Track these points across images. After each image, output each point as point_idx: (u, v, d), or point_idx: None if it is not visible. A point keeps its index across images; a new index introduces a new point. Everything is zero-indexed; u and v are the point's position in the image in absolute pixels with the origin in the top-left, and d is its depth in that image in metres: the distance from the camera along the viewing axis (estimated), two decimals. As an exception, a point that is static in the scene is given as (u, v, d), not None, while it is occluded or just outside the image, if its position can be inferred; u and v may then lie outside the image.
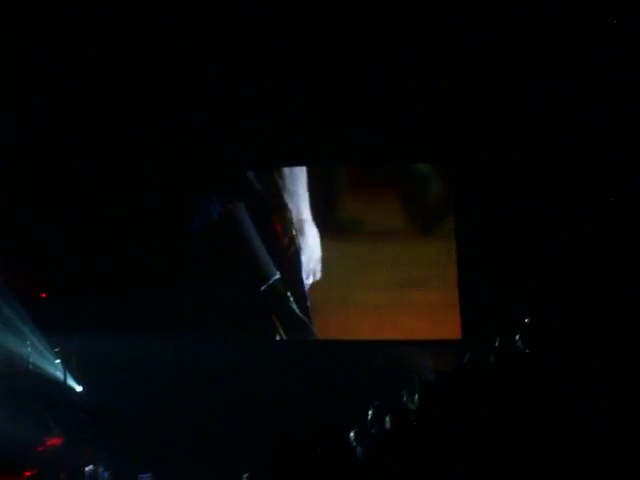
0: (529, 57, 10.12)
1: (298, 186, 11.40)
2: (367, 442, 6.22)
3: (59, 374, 11.40)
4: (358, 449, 5.99)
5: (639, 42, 9.61)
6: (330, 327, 11.33)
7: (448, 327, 10.87)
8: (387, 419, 6.45)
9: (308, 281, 11.36)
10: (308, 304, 11.34)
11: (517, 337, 6.85)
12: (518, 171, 10.40)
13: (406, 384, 7.45)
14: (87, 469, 10.21)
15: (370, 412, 6.76)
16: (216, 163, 11.61)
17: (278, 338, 11.51)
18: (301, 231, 11.37)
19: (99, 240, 11.51)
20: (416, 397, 6.74)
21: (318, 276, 11.31)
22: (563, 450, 4.98)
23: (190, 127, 11.36)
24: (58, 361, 11.41)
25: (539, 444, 5.18)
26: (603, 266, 9.77)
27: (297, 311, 11.38)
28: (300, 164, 11.48)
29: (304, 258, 11.34)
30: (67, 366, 11.40)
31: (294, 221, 11.37)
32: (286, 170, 11.54)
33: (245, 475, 6.08)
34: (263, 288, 11.43)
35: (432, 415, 5.97)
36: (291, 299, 11.39)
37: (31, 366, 11.26)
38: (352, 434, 6.28)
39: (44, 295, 11.66)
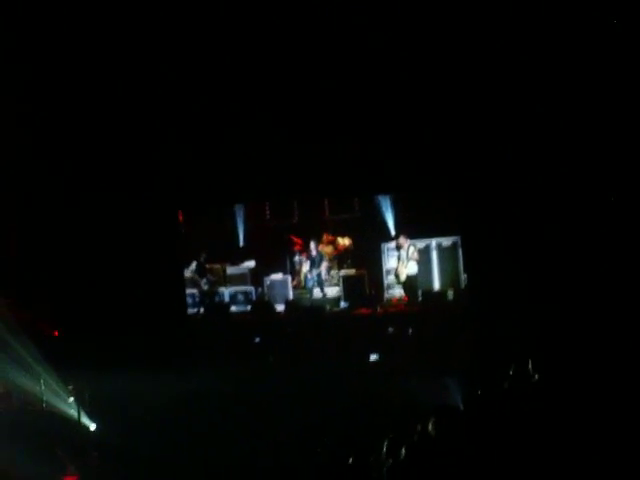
0: (529, 71, 10.19)
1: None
2: (383, 473, 6.22)
3: (73, 412, 11.38)
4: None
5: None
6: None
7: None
8: (402, 450, 6.46)
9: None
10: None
11: (530, 365, 6.87)
12: (526, 189, 10.43)
13: (420, 413, 7.45)
14: (101, 506, 10.20)
15: (385, 444, 6.74)
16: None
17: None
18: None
19: (112, 279, 11.54)
20: (430, 427, 6.74)
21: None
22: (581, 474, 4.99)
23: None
24: (72, 399, 11.40)
25: (555, 471, 5.18)
26: (617, 285, 9.79)
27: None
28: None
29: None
30: (80, 404, 11.39)
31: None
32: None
33: None
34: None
35: (448, 444, 5.98)
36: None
37: (45, 404, 11.26)
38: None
39: (57, 333, 11.68)
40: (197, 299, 14.05)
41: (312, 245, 14.19)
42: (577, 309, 9.98)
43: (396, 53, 10.64)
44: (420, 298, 13.63)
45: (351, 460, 6.40)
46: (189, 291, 13.68)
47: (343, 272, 14.38)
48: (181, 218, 11.94)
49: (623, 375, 6.08)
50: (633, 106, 9.85)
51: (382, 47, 10.62)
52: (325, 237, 14.23)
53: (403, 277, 13.71)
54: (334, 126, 10.97)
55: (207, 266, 14.17)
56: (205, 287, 14.12)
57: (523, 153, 10.49)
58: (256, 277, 14.32)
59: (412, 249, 13.37)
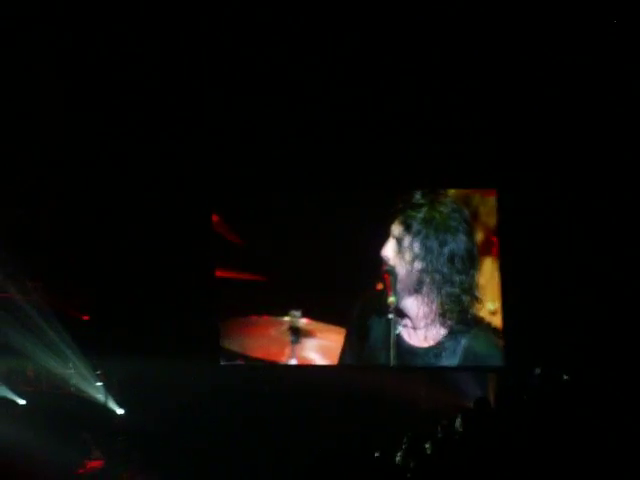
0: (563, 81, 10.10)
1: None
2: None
3: (100, 397, 11.44)
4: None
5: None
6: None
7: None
8: (427, 446, 6.41)
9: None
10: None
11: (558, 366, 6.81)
12: (565, 196, 10.29)
13: (446, 412, 7.41)
14: (127, 492, 10.25)
15: (405, 441, 6.66)
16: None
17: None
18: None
19: (143, 264, 11.56)
20: (457, 424, 6.69)
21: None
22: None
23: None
24: (100, 384, 11.45)
25: (581, 473, 5.12)
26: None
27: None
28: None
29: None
30: (108, 389, 11.45)
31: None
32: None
33: None
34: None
35: (475, 442, 5.92)
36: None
37: (73, 388, 11.32)
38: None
39: (87, 318, 11.73)
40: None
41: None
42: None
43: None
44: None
45: (377, 454, 6.38)
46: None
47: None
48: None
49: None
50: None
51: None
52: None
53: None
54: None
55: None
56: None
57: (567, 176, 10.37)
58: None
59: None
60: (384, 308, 10.48)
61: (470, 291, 10.42)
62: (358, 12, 10.44)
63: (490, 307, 10.49)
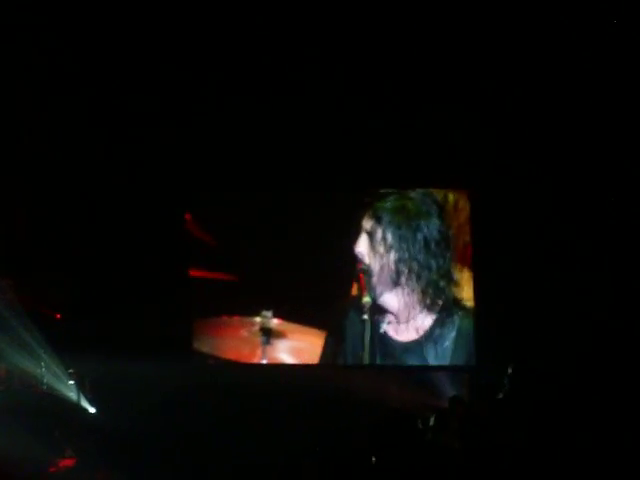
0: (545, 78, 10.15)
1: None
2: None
3: (73, 395, 11.38)
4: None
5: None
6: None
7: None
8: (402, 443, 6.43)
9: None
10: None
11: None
12: (538, 196, 10.37)
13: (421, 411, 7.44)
14: (99, 491, 10.20)
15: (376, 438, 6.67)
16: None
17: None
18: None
19: (115, 262, 11.54)
20: (431, 422, 6.74)
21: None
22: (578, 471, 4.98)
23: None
24: (72, 382, 11.39)
25: (553, 468, 5.17)
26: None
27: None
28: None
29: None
30: (81, 388, 11.39)
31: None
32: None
33: None
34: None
35: (448, 440, 5.96)
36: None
37: (45, 387, 11.25)
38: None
39: (59, 316, 11.68)
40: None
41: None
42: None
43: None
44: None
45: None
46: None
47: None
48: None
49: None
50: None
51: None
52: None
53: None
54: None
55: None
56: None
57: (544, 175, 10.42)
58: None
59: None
60: (360, 309, 10.47)
61: (448, 274, 10.40)
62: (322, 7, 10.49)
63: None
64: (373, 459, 5.50)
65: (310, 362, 11.03)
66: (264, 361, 11.01)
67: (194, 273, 11.41)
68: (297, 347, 10.98)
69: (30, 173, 11.57)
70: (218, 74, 11.15)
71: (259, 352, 11.04)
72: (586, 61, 9.98)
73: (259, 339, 11.00)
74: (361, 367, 10.65)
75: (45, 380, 11.25)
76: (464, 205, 10.68)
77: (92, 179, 11.57)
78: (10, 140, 11.35)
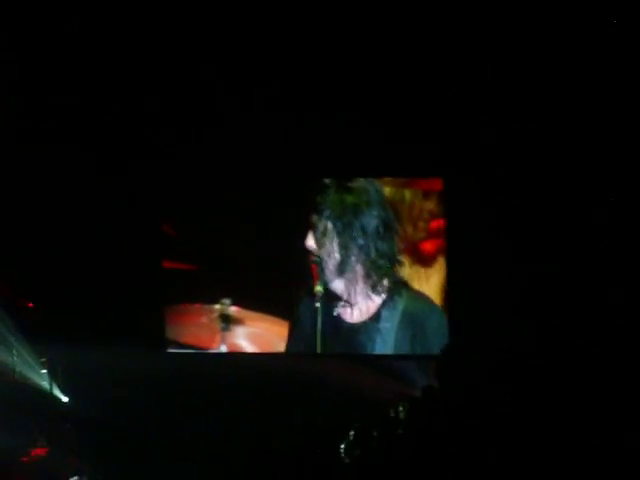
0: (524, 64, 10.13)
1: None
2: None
3: (45, 384, 11.35)
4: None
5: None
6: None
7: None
8: (374, 435, 6.46)
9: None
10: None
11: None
12: (514, 187, 10.37)
13: (394, 400, 7.46)
14: (71, 480, 10.18)
15: (352, 433, 6.70)
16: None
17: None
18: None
19: (88, 249, 11.50)
20: (401, 412, 6.76)
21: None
22: (556, 458, 5.02)
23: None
24: (44, 371, 11.36)
25: (529, 460, 5.20)
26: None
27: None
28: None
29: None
30: (53, 376, 11.36)
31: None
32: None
33: None
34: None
35: (422, 430, 5.99)
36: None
37: (17, 376, 11.21)
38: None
39: (31, 305, 11.62)
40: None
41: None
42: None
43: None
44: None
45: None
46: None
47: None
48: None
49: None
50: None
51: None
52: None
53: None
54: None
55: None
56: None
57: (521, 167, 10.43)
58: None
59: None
60: (313, 298, 10.99)
61: (392, 256, 10.82)
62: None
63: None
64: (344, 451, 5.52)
65: (266, 347, 11.37)
66: (223, 347, 11.35)
67: (165, 264, 11.66)
68: (254, 333, 11.30)
69: (3, 166, 11.48)
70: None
71: (218, 338, 11.39)
72: (573, 48, 9.95)
73: (218, 326, 11.36)
74: (314, 355, 11.07)
75: (17, 369, 11.21)
76: (413, 198, 10.91)
77: (64, 171, 11.49)
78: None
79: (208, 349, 11.40)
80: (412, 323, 10.84)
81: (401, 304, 10.84)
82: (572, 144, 10.13)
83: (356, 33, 10.48)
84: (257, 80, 10.89)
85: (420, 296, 10.84)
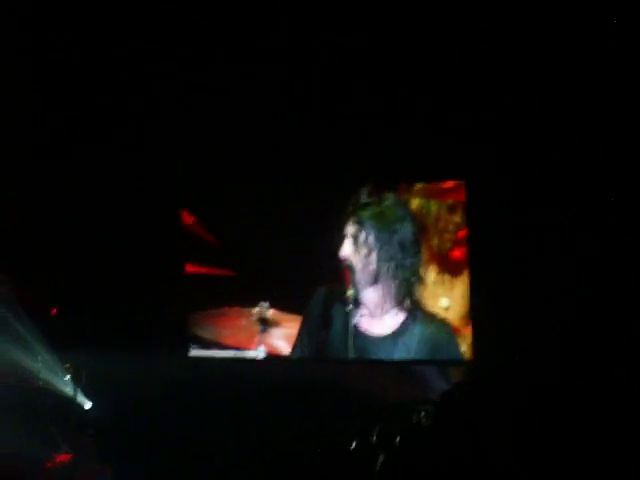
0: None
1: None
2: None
3: (69, 390, 11.41)
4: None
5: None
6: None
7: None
8: (397, 440, 6.43)
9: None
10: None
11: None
12: (537, 194, 10.30)
13: (416, 405, 7.43)
14: (95, 486, 10.23)
15: (375, 435, 6.69)
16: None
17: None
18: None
19: (111, 257, 11.53)
20: (422, 416, 6.74)
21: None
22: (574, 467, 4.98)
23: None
24: (68, 377, 11.41)
25: (549, 465, 5.17)
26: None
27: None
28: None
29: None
30: (77, 383, 11.41)
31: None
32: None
33: None
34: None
35: (445, 435, 5.96)
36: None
37: (41, 382, 11.27)
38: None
39: (55, 311, 11.69)
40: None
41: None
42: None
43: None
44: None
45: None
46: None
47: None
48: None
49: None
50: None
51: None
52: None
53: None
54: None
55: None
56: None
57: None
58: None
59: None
60: (344, 300, 11.23)
61: (417, 272, 11.05)
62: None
63: (444, 304, 10.90)
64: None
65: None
66: (261, 347, 11.64)
67: (193, 269, 11.83)
68: (291, 334, 11.59)
69: (24, 168, 11.54)
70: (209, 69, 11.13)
71: (256, 339, 11.68)
72: (585, 51, 9.89)
73: (257, 328, 11.68)
74: (346, 361, 11.24)
75: (41, 375, 11.28)
76: (436, 210, 11.07)
77: (87, 174, 11.55)
78: (2, 135, 11.32)
79: (247, 350, 11.66)
80: (427, 345, 10.97)
81: (419, 326, 11.00)
82: (600, 152, 10.06)
83: (381, 41, 10.50)
84: (286, 94, 10.95)
85: (433, 319, 10.96)
